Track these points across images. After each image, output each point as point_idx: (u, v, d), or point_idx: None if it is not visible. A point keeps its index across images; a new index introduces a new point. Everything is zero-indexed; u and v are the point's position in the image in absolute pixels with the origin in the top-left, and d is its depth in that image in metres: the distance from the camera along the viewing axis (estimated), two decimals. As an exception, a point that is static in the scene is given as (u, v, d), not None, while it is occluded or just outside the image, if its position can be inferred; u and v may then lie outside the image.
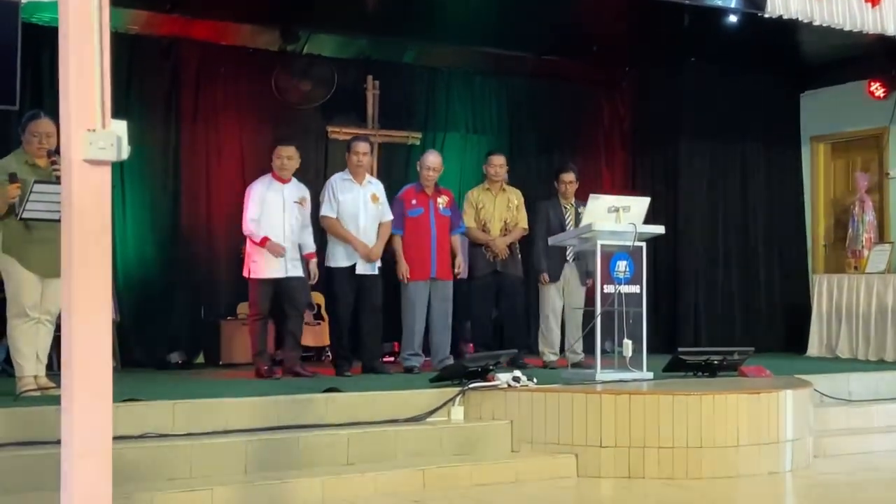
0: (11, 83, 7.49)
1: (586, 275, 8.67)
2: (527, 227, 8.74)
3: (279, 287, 7.70)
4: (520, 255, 8.77)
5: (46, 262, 5.92)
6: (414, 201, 8.34)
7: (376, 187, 8.16)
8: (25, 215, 5.97)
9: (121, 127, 2.66)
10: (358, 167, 8.04)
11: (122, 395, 5.69)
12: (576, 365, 8.39)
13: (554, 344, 8.73)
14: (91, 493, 2.62)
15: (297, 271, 7.75)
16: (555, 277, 8.70)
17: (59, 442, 2.73)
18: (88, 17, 2.59)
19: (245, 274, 7.77)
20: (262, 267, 7.66)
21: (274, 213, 7.69)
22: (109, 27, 2.65)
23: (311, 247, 7.93)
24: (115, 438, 2.83)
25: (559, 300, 8.75)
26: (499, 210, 8.66)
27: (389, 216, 8.13)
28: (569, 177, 8.88)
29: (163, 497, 5.10)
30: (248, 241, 7.71)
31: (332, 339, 8.25)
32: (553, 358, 8.62)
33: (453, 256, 8.50)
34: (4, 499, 4.79)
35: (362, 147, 8.09)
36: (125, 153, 2.66)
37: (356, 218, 7.95)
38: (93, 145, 2.60)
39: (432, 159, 8.41)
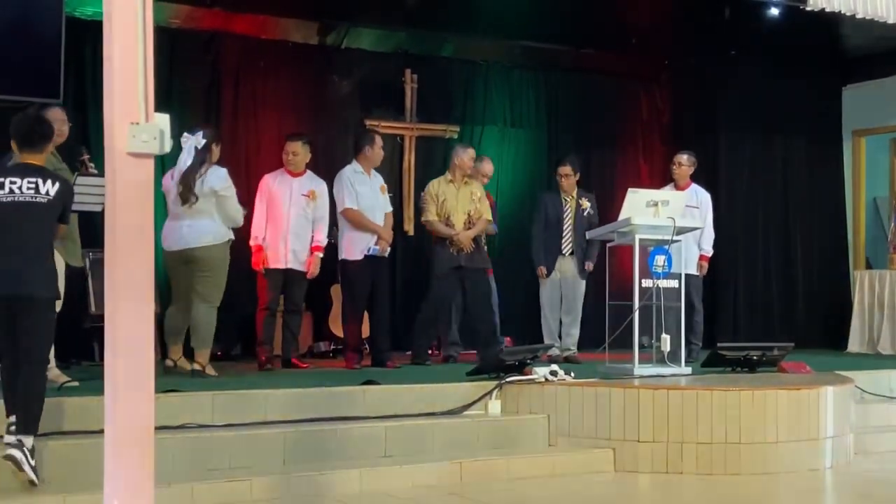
0: (55, 77, 7.59)
1: (584, 267, 8.70)
2: (490, 218, 8.64)
3: (286, 279, 7.81)
4: (486, 247, 8.67)
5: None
6: None
7: (381, 179, 8.29)
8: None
9: (164, 120, 2.69)
10: (378, 159, 8.18)
11: (162, 386, 5.74)
12: (568, 359, 8.40)
13: (554, 337, 8.70)
14: (133, 483, 2.66)
15: (301, 265, 7.84)
16: (549, 270, 8.71)
17: (101, 432, 2.76)
18: (132, 11, 2.62)
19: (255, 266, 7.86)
20: (270, 257, 7.77)
21: (279, 205, 7.81)
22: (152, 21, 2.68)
23: (319, 240, 7.97)
24: (156, 429, 2.85)
25: (557, 293, 8.74)
26: (462, 202, 8.49)
27: (390, 206, 8.27)
28: (565, 169, 8.82)
29: (202, 487, 5.14)
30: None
31: (345, 331, 8.26)
32: (556, 352, 8.56)
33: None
34: (48, 487, 4.86)
35: (381, 141, 8.29)
36: (168, 146, 2.69)
37: (373, 209, 8.04)
38: (136, 138, 2.62)
39: (486, 167, 8.88)
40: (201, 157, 6.87)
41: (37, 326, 4.92)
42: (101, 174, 6.28)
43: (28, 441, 4.77)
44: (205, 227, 6.85)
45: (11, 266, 4.85)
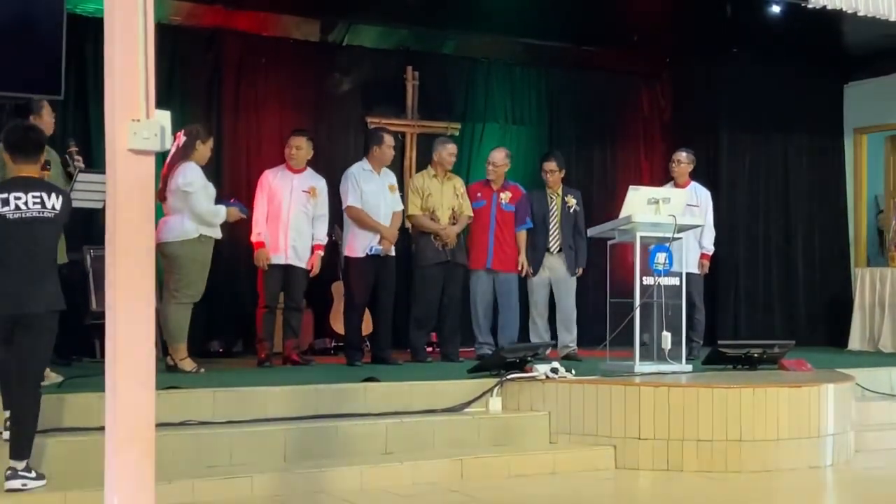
0: (56, 73, 7.59)
1: (575, 265, 8.66)
2: (471, 214, 8.57)
3: (286, 275, 7.80)
4: (465, 245, 8.64)
5: None
6: (479, 194, 8.67)
7: (392, 178, 8.29)
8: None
9: (164, 117, 2.69)
10: (388, 159, 8.19)
11: (163, 382, 5.74)
12: (567, 357, 8.37)
13: (542, 335, 8.66)
14: (134, 479, 2.66)
15: (301, 262, 7.83)
16: (536, 269, 8.67)
17: (102, 429, 2.76)
18: (133, 8, 2.62)
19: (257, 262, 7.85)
20: (270, 253, 7.75)
21: (280, 201, 7.80)
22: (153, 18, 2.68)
23: (321, 238, 7.97)
24: (157, 426, 2.86)
25: (545, 291, 8.71)
26: (446, 198, 8.44)
27: (401, 205, 8.24)
28: (549, 165, 8.75)
29: (203, 484, 5.15)
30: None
31: (346, 328, 8.26)
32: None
33: (520, 251, 8.66)
34: (49, 485, 4.86)
35: (392, 140, 8.29)
36: (168, 143, 2.70)
37: (378, 208, 8.02)
38: (137, 135, 2.62)
39: (494, 155, 8.74)
40: (180, 155, 7.01)
41: (37, 342, 4.87)
42: (90, 168, 6.34)
43: (20, 464, 4.74)
44: (171, 224, 6.96)
45: (18, 287, 4.77)
